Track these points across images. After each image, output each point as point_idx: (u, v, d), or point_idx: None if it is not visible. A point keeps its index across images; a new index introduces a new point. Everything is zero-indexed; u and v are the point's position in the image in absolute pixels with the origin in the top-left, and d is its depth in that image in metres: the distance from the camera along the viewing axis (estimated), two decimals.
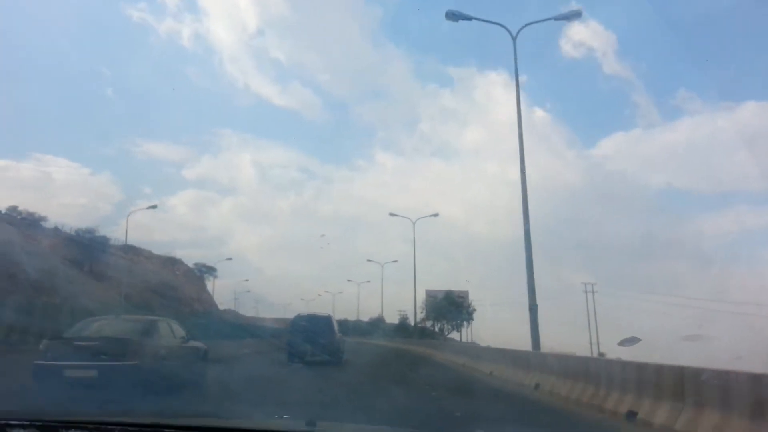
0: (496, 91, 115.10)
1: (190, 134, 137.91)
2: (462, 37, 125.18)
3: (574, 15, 21.98)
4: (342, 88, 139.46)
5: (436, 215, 51.06)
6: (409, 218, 48.73)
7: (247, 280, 76.84)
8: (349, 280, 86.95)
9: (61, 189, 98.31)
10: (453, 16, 21.58)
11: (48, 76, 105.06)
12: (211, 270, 72.81)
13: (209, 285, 76.03)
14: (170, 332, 12.00)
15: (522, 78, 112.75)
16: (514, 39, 20.90)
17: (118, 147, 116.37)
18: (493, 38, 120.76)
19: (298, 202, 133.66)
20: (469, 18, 21.58)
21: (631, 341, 16.72)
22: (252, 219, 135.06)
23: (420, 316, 67.46)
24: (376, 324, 79.71)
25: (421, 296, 64.07)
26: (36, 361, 9.74)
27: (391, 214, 50.31)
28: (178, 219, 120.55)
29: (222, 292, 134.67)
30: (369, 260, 66.91)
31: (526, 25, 21.50)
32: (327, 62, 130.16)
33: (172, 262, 66.66)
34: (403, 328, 75.03)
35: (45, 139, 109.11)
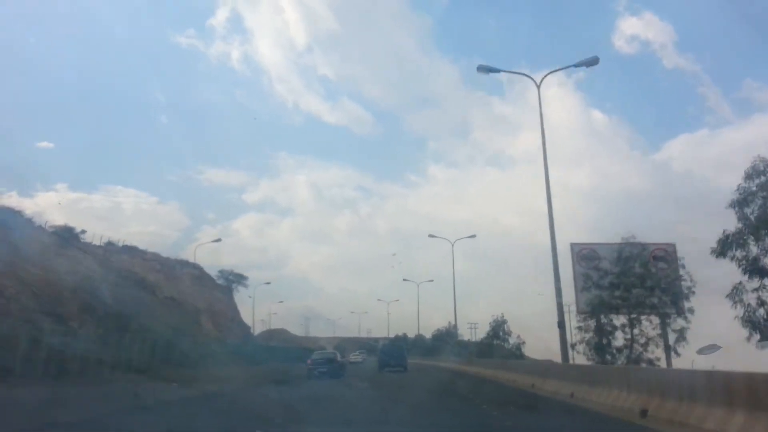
0: (549, 91, 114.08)
1: (248, 158, 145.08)
2: (511, 38, 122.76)
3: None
4: (391, 100, 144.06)
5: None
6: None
7: (281, 302, 77.04)
8: (396, 300, 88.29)
9: (130, 218, 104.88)
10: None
11: (107, 108, 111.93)
12: (239, 278, 59.38)
13: (244, 302, 65.84)
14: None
15: (579, 75, 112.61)
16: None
17: (182, 174, 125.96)
18: (544, 38, 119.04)
19: (354, 220, 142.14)
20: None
21: (711, 349, 16.79)
22: (310, 238, 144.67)
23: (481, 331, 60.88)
24: (443, 339, 69.50)
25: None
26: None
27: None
28: (241, 242, 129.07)
29: (283, 312, 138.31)
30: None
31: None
32: (375, 74, 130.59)
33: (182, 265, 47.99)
34: (484, 347, 58.42)
35: (113, 170, 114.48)
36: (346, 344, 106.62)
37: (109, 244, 40.87)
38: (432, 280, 68.17)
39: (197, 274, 44.03)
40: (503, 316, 54.66)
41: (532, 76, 23.43)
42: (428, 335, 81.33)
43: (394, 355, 37.88)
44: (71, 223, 32.51)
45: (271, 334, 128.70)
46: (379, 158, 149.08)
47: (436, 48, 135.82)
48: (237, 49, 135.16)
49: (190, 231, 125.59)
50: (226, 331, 42.76)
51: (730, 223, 19.01)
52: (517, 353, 52.46)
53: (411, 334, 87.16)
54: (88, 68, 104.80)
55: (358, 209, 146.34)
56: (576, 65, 23.15)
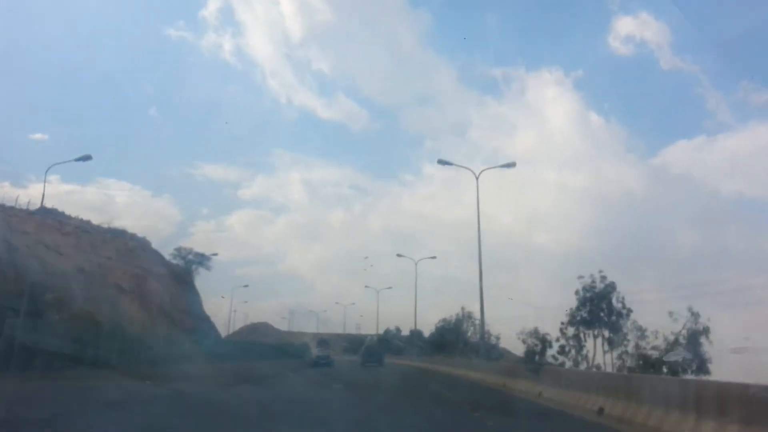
0: (548, 91, 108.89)
1: (244, 154, 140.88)
2: (509, 36, 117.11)
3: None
4: (388, 97, 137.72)
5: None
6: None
7: (246, 286, 74.81)
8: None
9: (123, 211, 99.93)
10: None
11: (101, 101, 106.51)
12: (201, 259, 50.74)
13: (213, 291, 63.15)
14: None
15: (577, 73, 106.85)
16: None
17: (177, 169, 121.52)
18: (542, 34, 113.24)
19: (348, 218, 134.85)
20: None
21: (677, 354, 18.30)
22: (304, 236, 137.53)
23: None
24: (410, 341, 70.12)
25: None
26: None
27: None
28: (235, 238, 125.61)
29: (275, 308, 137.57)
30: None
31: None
32: (372, 70, 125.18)
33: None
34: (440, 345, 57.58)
35: (106, 163, 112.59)
36: (332, 340, 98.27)
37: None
38: (390, 287, 75.12)
39: (131, 246, 34.53)
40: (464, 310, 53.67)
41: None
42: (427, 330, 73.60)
43: (374, 355, 49.60)
44: None
45: (254, 327, 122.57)
46: (374, 156, 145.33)
47: (434, 45, 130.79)
48: (229, 41, 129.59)
49: (183, 225, 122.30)
50: (173, 323, 33.53)
51: None
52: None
53: (406, 329, 78.01)
54: (78, 60, 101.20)
55: (352, 207, 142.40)
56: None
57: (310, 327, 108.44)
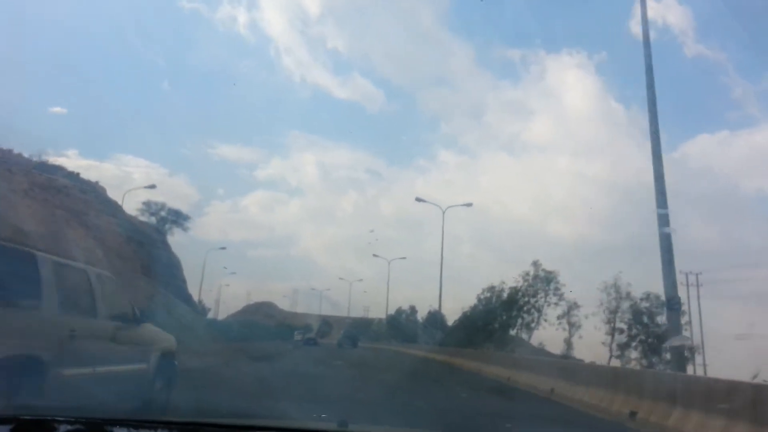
0: (569, 75, 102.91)
1: (260, 135, 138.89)
2: (530, 20, 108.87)
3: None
4: (404, 78, 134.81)
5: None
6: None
7: (224, 248, 70.58)
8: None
9: (139, 189, 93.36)
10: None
11: (117, 76, 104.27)
12: (177, 217, 43.64)
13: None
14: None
15: (601, 55, 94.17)
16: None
17: (194, 148, 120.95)
18: (563, 17, 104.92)
19: (361, 202, 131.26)
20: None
21: (680, 339, 17.86)
22: (317, 219, 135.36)
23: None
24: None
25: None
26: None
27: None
28: (250, 219, 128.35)
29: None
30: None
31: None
32: (388, 50, 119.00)
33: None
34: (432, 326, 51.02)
35: (124, 139, 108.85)
36: (336, 322, 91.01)
37: None
38: (405, 258, 67.77)
39: (60, 186, 25.84)
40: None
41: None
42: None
43: (350, 338, 52.98)
44: None
45: (258, 307, 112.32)
46: (389, 138, 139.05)
47: (452, 24, 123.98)
48: (243, 15, 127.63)
49: (199, 205, 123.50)
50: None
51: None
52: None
53: (423, 312, 68.16)
54: (93, 32, 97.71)
55: (365, 191, 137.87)
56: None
57: (316, 308, 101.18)
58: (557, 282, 41.38)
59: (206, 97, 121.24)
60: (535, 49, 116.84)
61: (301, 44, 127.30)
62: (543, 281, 41.30)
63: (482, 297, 42.29)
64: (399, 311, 65.39)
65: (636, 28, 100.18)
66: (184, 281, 43.61)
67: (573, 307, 41.37)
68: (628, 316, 39.43)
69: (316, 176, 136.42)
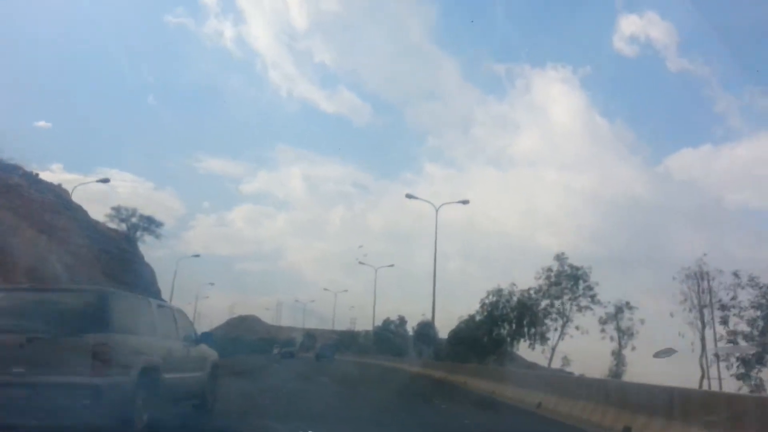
0: (554, 87, 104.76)
1: (247, 149, 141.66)
2: (515, 35, 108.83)
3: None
4: (391, 92, 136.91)
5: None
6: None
7: (197, 255, 61.26)
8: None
9: (125, 202, 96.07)
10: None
11: (104, 92, 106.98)
12: (147, 223, 40.47)
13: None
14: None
15: (586, 70, 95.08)
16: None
17: (180, 162, 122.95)
18: (548, 32, 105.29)
19: (348, 215, 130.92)
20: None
21: (667, 353, 19.07)
22: (305, 232, 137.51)
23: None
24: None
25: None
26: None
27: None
28: (236, 233, 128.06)
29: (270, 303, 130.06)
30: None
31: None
32: (376, 64, 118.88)
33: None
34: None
35: (109, 153, 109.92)
36: (321, 336, 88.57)
37: None
38: (392, 265, 59.07)
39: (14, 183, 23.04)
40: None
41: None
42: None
43: (326, 353, 55.20)
44: None
45: (241, 320, 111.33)
46: (376, 152, 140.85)
47: (439, 39, 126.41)
48: (230, 29, 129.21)
49: (185, 219, 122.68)
50: None
51: None
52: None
53: (413, 323, 64.47)
54: (79, 48, 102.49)
55: (353, 205, 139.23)
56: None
57: (301, 321, 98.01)
58: (586, 279, 33.01)
59: (193, 112, 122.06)
60: (521, 63, 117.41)
61: (288, 58, 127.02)
62: (569, 279, 33.20)
63: (487, 302, 35.05)
64: (387, 322, 61.92)
65: (619, 43, 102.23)
66: (158, 292, 40.82)
67: (624, 308, 32.55)
68: (751, 313, 25.58)
69: (304, 190, 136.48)
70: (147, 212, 41.80)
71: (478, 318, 35.72)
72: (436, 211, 36.61)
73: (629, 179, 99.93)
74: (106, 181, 39.80)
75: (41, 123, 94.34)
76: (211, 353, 10.34)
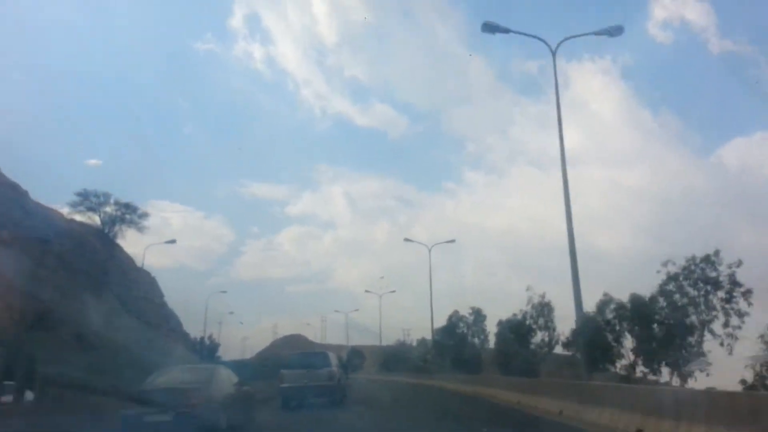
0: (594, 80, 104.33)
1: (289, 171, 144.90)
2: (543, 27, 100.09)
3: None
4: (425, 100, 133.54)
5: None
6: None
7: (225, 292, 73.24)
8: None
9: (178, 233, 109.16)
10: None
11: (149, 127, 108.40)
12: (129, 211, 35.34)
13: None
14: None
15: (627, 59, 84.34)
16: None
17: (226, 188, 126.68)
18: (577, 19, 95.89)
19: (393, 230, 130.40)
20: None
21: (699, 364, 18.97)
22: (351, 251, 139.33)
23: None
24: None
25: None
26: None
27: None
28: (284, 256, 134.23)
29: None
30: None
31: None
32: (408, 73, 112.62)
33: None
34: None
35: (159, 185, 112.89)
36: (369, 352, 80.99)
37: None
38: (394, 291, 59.94)
39: None
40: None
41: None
42: None
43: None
44: None
45: (286, 341, 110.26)
46: (414, 163, 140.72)
47: (470, 42, 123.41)
48: (258, 50, 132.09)
49: (234, 245, 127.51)
50: None
51: None
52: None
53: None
54: (117, 84, 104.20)
55: (396, 219, 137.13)
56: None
57: (349, 336, 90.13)
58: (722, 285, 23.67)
59: (231, 136, 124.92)
60: (557, 64, 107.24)
61: (319, 75, 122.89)
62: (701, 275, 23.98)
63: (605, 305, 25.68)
64: (455, 317, 46.31)
65: (653, 29, 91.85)
66: (163, 305, 34.52)
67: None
68: None
69: (346, 207, 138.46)
70: (198, 243, 35.58)
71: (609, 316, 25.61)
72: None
73: (681, 172, 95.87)
74: (172, 242, 41.40)
75: (92, 161, 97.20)
76: (248, 389, 14.85)
